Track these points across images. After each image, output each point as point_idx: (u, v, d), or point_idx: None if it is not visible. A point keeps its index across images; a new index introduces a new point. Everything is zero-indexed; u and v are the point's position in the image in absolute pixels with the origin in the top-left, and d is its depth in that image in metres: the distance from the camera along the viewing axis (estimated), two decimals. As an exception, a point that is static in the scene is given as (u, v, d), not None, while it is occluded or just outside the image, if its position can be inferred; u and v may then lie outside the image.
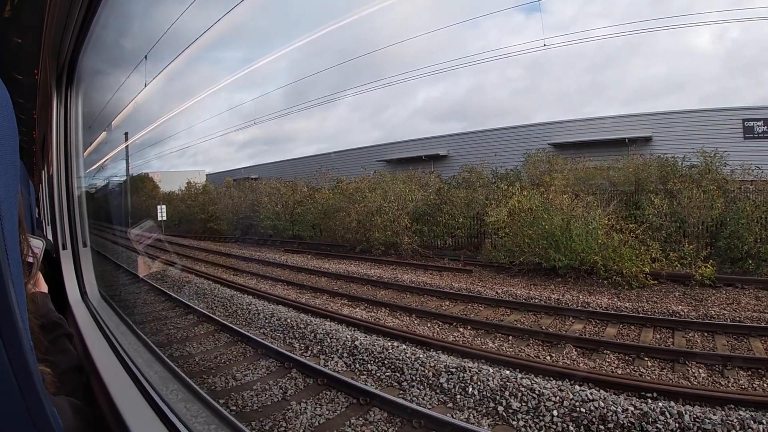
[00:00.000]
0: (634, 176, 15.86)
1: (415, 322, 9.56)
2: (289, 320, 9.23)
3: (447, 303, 10.88)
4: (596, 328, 8.76)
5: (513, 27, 36.28)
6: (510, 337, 8.39)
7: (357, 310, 10.54)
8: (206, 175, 40.36)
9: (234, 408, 5.90)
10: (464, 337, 8.62)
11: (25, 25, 2.92)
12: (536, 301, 10.39)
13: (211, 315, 9.84)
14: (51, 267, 2.89)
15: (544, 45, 17.29)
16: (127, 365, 1.79)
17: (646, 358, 7.12)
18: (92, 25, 2.58)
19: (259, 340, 8.16)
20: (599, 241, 12.22)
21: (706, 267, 11.01)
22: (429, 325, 9.34)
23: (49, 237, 3.44)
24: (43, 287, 1.49)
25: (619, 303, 9.99)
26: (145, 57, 10.68)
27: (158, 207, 30.88)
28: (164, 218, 30.63)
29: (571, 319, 9.28)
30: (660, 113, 18.70)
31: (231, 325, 9.11)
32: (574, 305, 9.96)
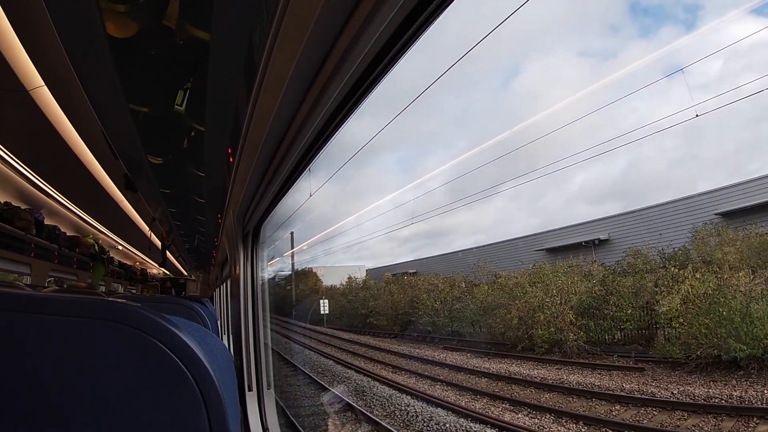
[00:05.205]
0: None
1: (583, 430, 9.61)
2: (447, 425, 9.56)
3: (617, 407, 10.56)
4: (789, 432, 8.06)
5: (655, 92, 34.98)
6: (687, 447, 8.05)
7: (519, 415, 10.62)
8: (366, 270, 42.86)
9: None
10: (636, 447, 8.38)
11: (211, 182, 3.15)
12: (716, 401, 9.57)
13: (370, 415, 10.52)
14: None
15: (696, 115, 16.55)
16: None
17: None
18: (281, 201, 2.61)
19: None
20: (785, 322, 11.02)
21: None
22: (598, 434, 9.22)
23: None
24: None
25: (817, 398, 8.97)
26: (309, 170, 13.79)
27: (321, 301, 33.89)
28: (326, 312, 33.39)
29: (755, 419, 8.48)
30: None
31: (390, 427, 9.55)
32: (759, 403, 8.99)
